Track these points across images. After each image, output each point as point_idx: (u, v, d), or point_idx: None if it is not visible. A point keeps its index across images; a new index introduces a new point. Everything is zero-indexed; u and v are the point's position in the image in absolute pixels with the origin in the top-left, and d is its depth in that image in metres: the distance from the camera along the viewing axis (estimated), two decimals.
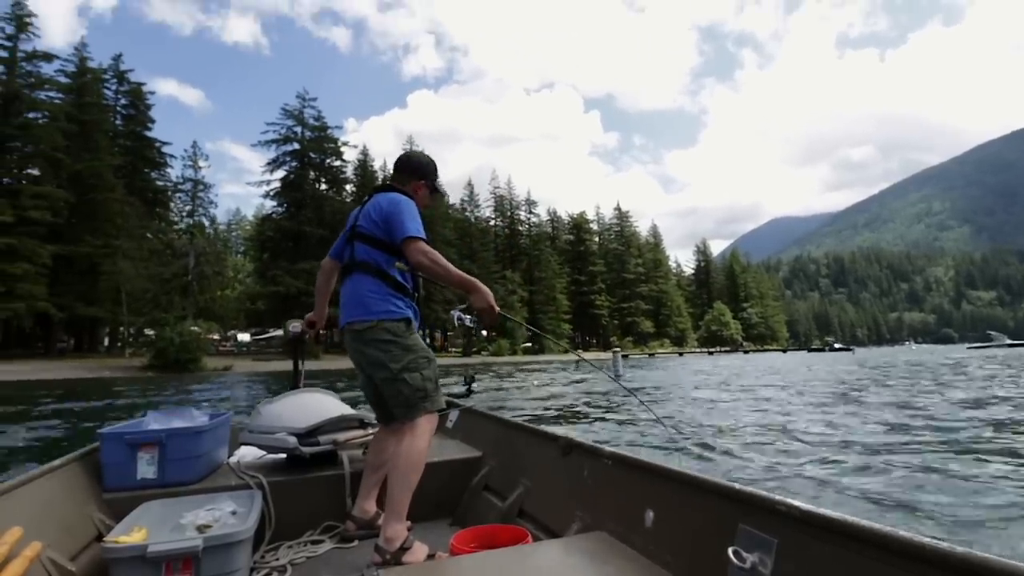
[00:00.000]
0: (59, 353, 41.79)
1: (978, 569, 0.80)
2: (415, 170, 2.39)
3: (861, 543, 0.96)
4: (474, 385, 3.51)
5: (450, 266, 2.07)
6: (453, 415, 3.15)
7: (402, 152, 2.49)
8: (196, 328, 37.04)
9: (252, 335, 59.65)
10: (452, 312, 2.27)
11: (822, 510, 1.05)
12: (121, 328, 45.24)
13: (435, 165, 2.45)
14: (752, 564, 1.12)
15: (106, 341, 48.49)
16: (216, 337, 49.36)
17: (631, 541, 1.52)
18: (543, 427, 2.36)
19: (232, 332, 57.78)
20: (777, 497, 1.14)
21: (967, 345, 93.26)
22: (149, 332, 43.26)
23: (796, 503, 1.10)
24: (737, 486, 1.26)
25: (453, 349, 70.70)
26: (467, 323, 2.28)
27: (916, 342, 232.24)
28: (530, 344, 72.99)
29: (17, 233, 36.55)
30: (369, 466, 2.30)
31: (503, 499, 2.30)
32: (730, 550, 1.14)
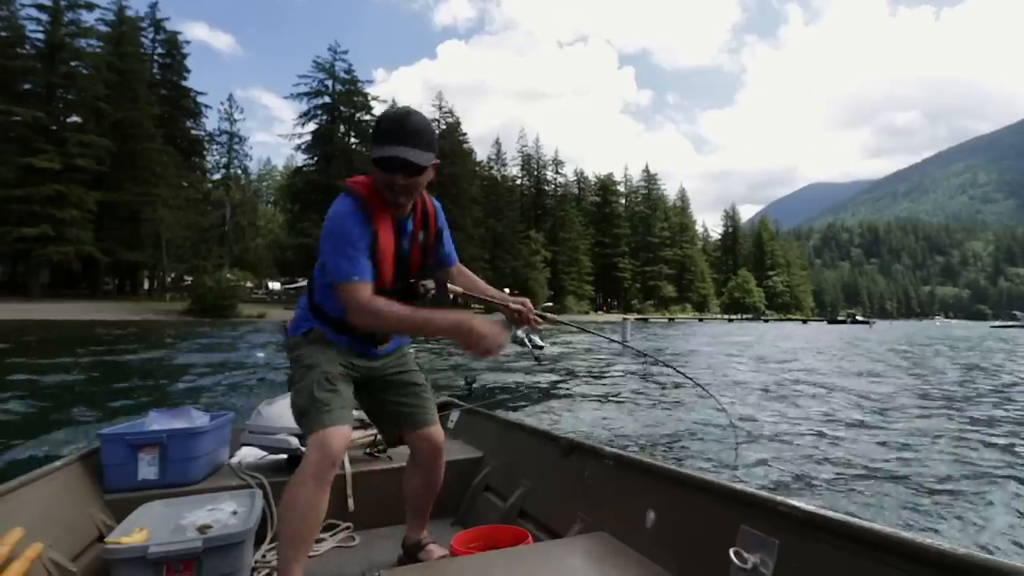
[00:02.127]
0: (104, 295, 44.18)
1: (979, 570, 0.80)
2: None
3: (862, 544, 0.96)
4: (475, 385, 3.47)
5: (408, 315, 1.58)
6: (454, 415, 3.13)
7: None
8: (232, 276, 38.87)
9: (283, 284, 61.86)
10: (517, 332, 1.91)
11: (823, 510, 1.06)
12: (162, 272, 47.48)
13: (383, 126, 1.59)
14: (753, 565, 1.12)
15: (145, 284, 50.96)
16: (250, 285, 51.49)
17: (632, 542, 1.53)
18: (544, 427, 2.39)
19: (264, 280, 59.95)
20: (778, 498, 1.15)
21: (990, 324, 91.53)
22: (187, 278, 45.49)
23: (797, 504, 1.11)
24: (738, 486, 1.28)
25: (475, 307, 71.99)
26: (529, 343, 1.91)
27: (946, 317, 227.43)
28: (551, 304, 74.08)
29: (64, 180, 38.37)
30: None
31: (504, 499, 2.29)
32: (731, 551, 1.15)
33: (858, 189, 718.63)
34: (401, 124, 1.59)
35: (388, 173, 1.58)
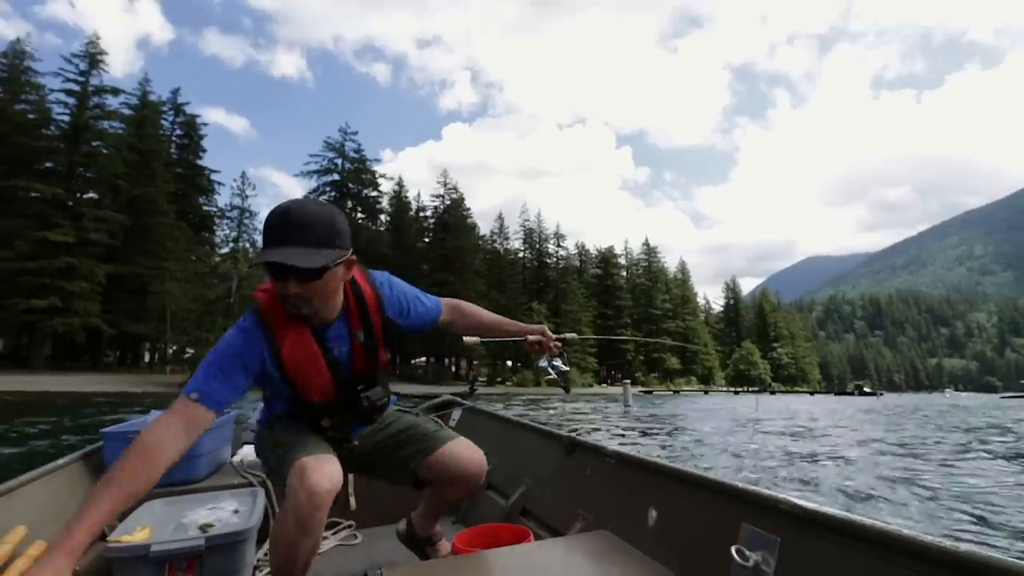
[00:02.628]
0: (105, 367, 43.99)
1: (981, 568, 0.80)
2: None
3: (864, 542, 0.96)
4: (476, 385, 3.59)
5: (107, 483, 1.21)
6: (456, 414, 3.14)
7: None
8: None
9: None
10: (540, 362, 1.93)
11: (825, 508, 1.06)
12: (164, 345, 47.46)
13: (265, 225, 1.35)
14: (755, 563, 1.12)
15: (146, 357, 50.84)
16: None
17: (634, 540, 1.53)
18: (545, 426, 2.41)
19: None
20: (780, 496, 1.15)
21: (1000, 395, 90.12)
22: (189, 351, 45.40)
23: (799, 502, 1.11)
24: (740, 485, 1.27)
25: (480, 378, 71.47)
26: (554, 371, 1.92)
27: (956, 389, 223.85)
28: (543, 373, 73.28)
29: (77, 253, 39.21)
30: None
31: (506, 498, 2.30)
32: (733, 548, 1.15)
33: (856, 262, 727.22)
34: (282, 221, 1.31)
35: (278, 282, 1.36)
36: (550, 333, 1.89)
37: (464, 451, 1.72)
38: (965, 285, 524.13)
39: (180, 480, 2.19)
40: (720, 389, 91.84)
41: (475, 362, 72.52)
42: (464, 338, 1.90)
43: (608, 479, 1.78)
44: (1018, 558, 0.77)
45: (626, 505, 1.62)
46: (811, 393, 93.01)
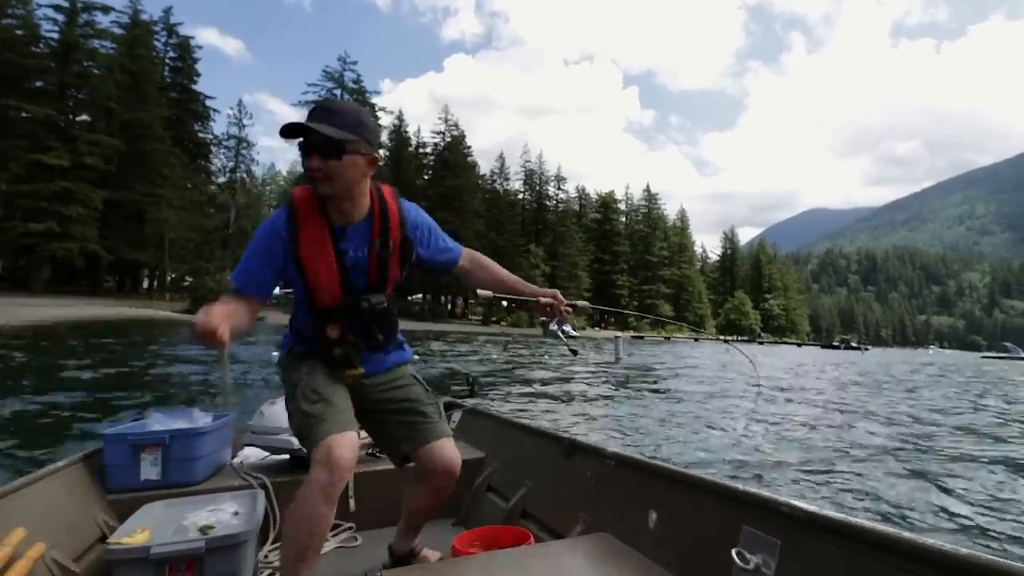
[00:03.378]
0: (104, 292, 44.41)
1: (981, 570, 0.79)
2: None
3: (864, 544, 0.96)
4: (476, 387, 3.55)
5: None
6: (456, 415, 3.12)
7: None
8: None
9: (281, 288, 62.04)
10: (550, 325, 1.93)
11: (825, 511, 1.06)
12: (162, 272, 47.78)
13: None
14: (755, 565, 1.12)
15: (145, 284, 51.25)
16: None
17: (634, 542, 1.53)
18: (546, 427, 2.42)
19: None
20: (780, 498, 1.15)
21: (982, 355, 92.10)
22: (188, 279, 45.82)
23: (799, 504, 1.11)
24: (740, 487, 1.28)
25: (473, 317, 72.49)
26: (563, 335, 1.93)
27: (941, 347, 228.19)
28: (550, 336, 74.31)
29: (72, 177, 38.85)
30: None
31: (506, 500, 2.29)
32: (733, 551, 1.16)
33: (857, 216, 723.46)
34: (315, 107, 1.51)
35: (305, 159, 1.49)
36: (562, 297, 1.92)
37: (453, 453, 1.76)
38: (963, 244, 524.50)
39: (180, 482, 2.17)
40: (710, 337, 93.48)
41: (471, 300, 73.34)
42: (479, 291, 1.96)
43: (608, 481, 1.78)
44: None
45: (626, 507, 1.63)
46: (798, 345, 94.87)
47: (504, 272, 1.94)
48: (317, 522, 1.47)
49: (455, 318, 68.51)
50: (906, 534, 0.92)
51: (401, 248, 1.67)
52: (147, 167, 44.35)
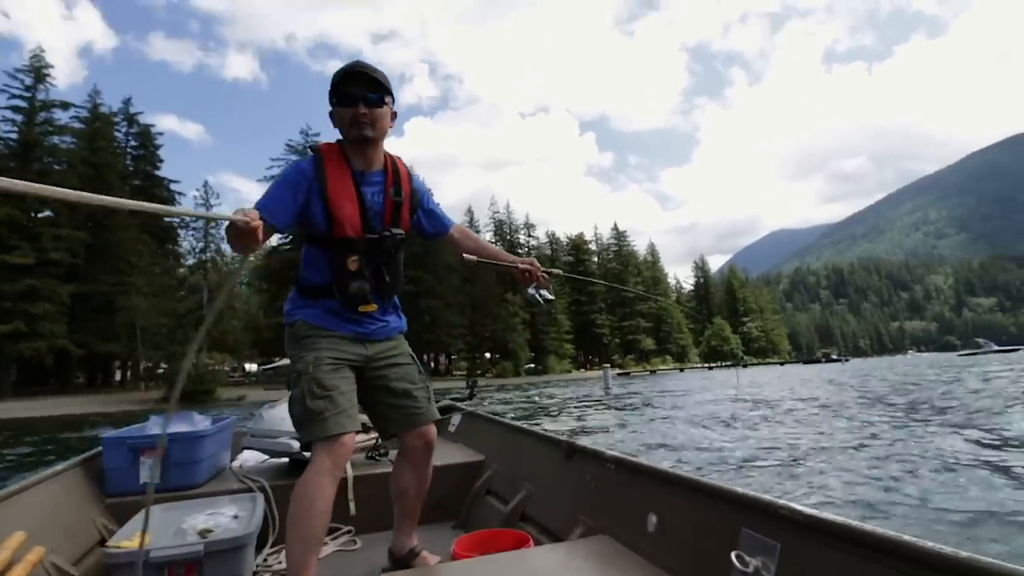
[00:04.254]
0: (75, 389, 43.01)
1: (982, 573, 0.79)
2: None
3: (864, 547, 0.96)
4: (476, 389, 3.75)
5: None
6: (456, 418, 3.11)
7: None
8: (210, 360, 38.38)
9: (259, 365, 60.94)
10: (528, 290, 2.04)
11: (825, 514, 1.06)
12: (135, 362, 46.53)
13: (340, 71, 1.77)
14: (755, 568, 1.12)
15: (117, 375, 49.78)
16: (227, 368, 50.71)
17: (634, 545, 1.52)
18: (545, 430, 2.42)
19: (241, 363, 59.07)
20: (780, 501, 1.15)
21: (958, 353, 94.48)
22: (163, 366, 44.67)
23: (799, 507, 1.11)
24: (740, 490, 1.28)
25: (457, 372, 71.76)
26: (540, 298, 2.04)
27: (918, 350, 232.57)
28: (532, 365, 73.98)
29: (38, 274, 38.21)
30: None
31: (506, 503, 2.29)
32: (733, 554, 1.16)
33: (819, 233, 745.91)
34: (357, 63, 1.77)
35: (350, 107, 1.73)
36: (538, 264, 2.07)
37: (433, 434, 1.92)
38: (922, 249, 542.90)
39: (179, 486, 2.17)
40: (695, 366, 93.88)
41: (454, 356, 72.78)
42: (464, 255, 2.08)
43: (608, 484, 1.78)
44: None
45: (626, 510, 1.63)
46: (781, 363, 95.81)
47: (487, 244, 2.14)
48: (315, 506, 1.57)
49: (439, 375, 67.73)
50: (907, 537, 0.91)
51: (410, 198, 1.91)
52: (115, 256, 43.87)
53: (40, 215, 43.26)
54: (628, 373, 71.86)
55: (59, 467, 1.94)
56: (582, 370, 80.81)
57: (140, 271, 44.97)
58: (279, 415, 2.47)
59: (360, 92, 1.74)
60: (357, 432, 1.83)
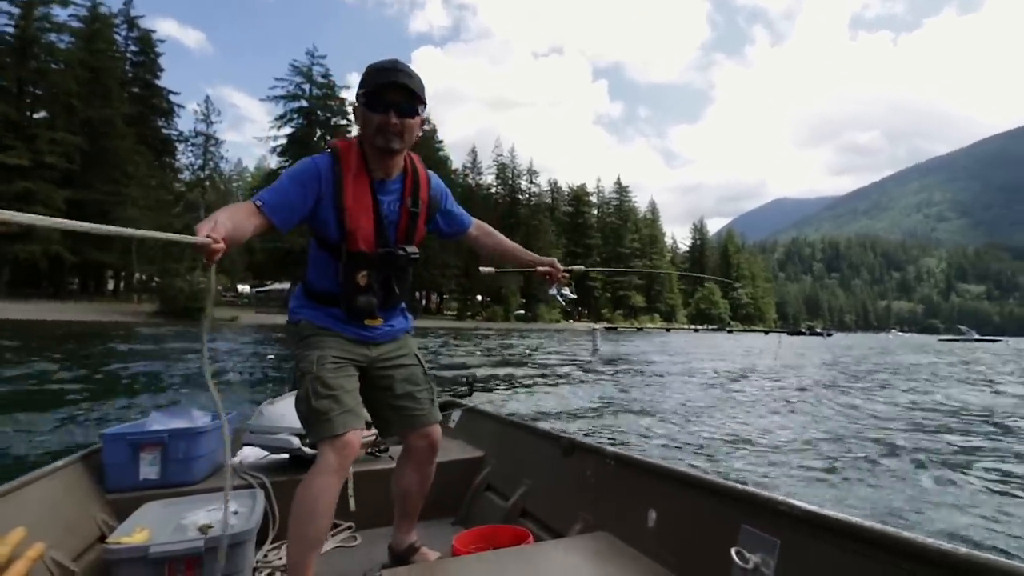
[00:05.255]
0: (68, 295, 43.32)
1: (981, 569, 0.80)
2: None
3: (863, 543, 0.97)
4: (475, 386, 3.66)
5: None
6: (455, 414, 3.12)
7: None
8: (204, 279, 38.60)
9: (252, 287, 61.34)
10: (549, 291, 2.05)
11: (824, 510, 1.06)
12: (129, 274, 46.73)
13: (375, 67, 1.64)
14: (755, 564, 1.12)
15: (110, 285, 50.06)
16: (220, 288, 51.02)
17: (634, 541, 1.52)
18: (545, 426, 2.40)
19: (235, 284, 59.38)
20: (780, 497, 1.15)
21: (938, 337, 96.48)
22: (156, 280, 44.93)
23: (798, 503, 1.11)
24: (739, 486, 1.28)
25: (448, 312, 72.59)
26: (562, 298, 2.05)
27: (901, 331, 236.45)
28: (523, 312, 74.86)
29: (33, 177, 37.76)
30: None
31: (505, 499, 2.29)
32: (733, 550, 1.16)
33: (822, 205, 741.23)
34: (394, 66, 1.62)
35: (382, 113, 1.61)
36: (559, 265, 2.03)
37: (437, 436, 1.90)
38: (921, 231, 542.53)
39: (179, 481, 2.17)
40: (682, 327, 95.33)
41: (445, 296, 73.41)
42: (480, 268, 2.10)
43: (608, 480, 1.78)
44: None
45: (626, 506, 1.63)
46: (765, 332, 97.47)
47: (508, 241, 2.08)
48: (318, 506, 1.57)
49: (430, 314, 68.52)
50: (905, 533, 0.92)
51: (428, 206, 1.82)
52: (111, 165, 43.23)
53: (36, 115, 42.33)
54: (616, 328, 72.98)
55: (59, 463, 1.93)
56: (571, 321, 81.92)
57: (136, 182, 44.52)
58: (279, 411, 2.47)
59: (395, 99, 1.61)
60: (373, 425, 1.88)
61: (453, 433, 3.07)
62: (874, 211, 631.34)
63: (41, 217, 0.79)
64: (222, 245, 1.28)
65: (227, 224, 1.34)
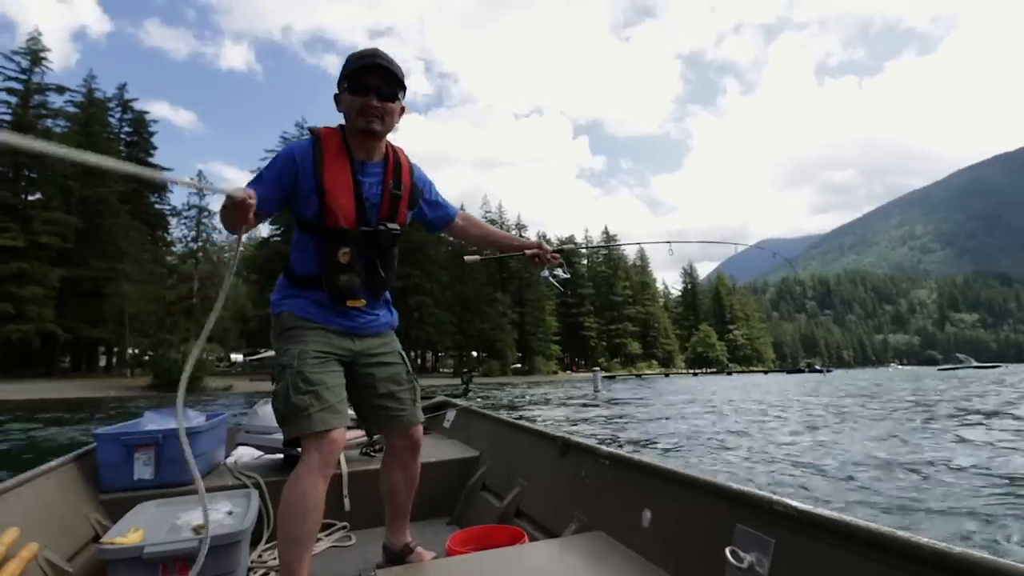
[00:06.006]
0: (61, 373, 42.92)
1: (975, 569, 0.79)
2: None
3: (858, 543, 0.96)
4: (471, 384, 3.92)
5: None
6: (450, 415, 3.11)
7: None
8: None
9: (245, 355, 60.92)
10: (541, 274, 2.03)
11: (819, 510, 1.05)
12: (122, 349, 46.48)
13: (354, 55, 1.73)
14: (749, 564, 1.12)
15: (103, 361, 49.70)
16: (214, 358, 50.76)
17: (629, 541, 1.52)
18: (540, 427, 2.40)
19: (227, 353, 59.02)
20: (774, 497, 1.15)
21: (937, 368, 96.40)
22: (149, 353, 44.69)
23: (793, 503, 1.11)
24: (734, 486, 1.27)
25: (444, 370, 72.10)
26: (555, 280, 2.03)
27: (900, 364, 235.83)
28: (519, 365, 74.46)
29: (28, 257, 38.15)
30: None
31: (500, 499, 2.29)
32: (727, 550, 1.15)
33: (807, 244, 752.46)
34: (374, 51, 1.69)
35: (363, 96, 1.67)
36: (546, 246, 2.04)
37: (418, 436, 1.92)
38: (907, 263, 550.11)
39: (173, 482, 2.15)
40: (680, 372, 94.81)
41: (441, 354, 73.07)
42: (466, 258, 2.13)
43: (602, 480, 1.79)
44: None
45: (621, 506, 1.63)
46: (764, 372, 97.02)
47: (492, 228, 2.14)
48: (305, 504, 1.56)
49: (426, 372, 68.06)
50: (900, 532, 0.92)
51: (410, 192, 1.84)
52: (105, 242, 43.76)
53: (31, 198, 43.14)
54: (614, 376, 72.58)
55: (53, 463, 1.93)
56: (568, 372, 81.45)
57: (130, 258, 44.93)
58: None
59: (375, 83, 1.68)
60: (348, 428, 1.81)
61: (448, 433, 3.07)
62: (860, 246, 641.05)
63: (44, 143, 0.79)
64: (253, 201, 1.41)
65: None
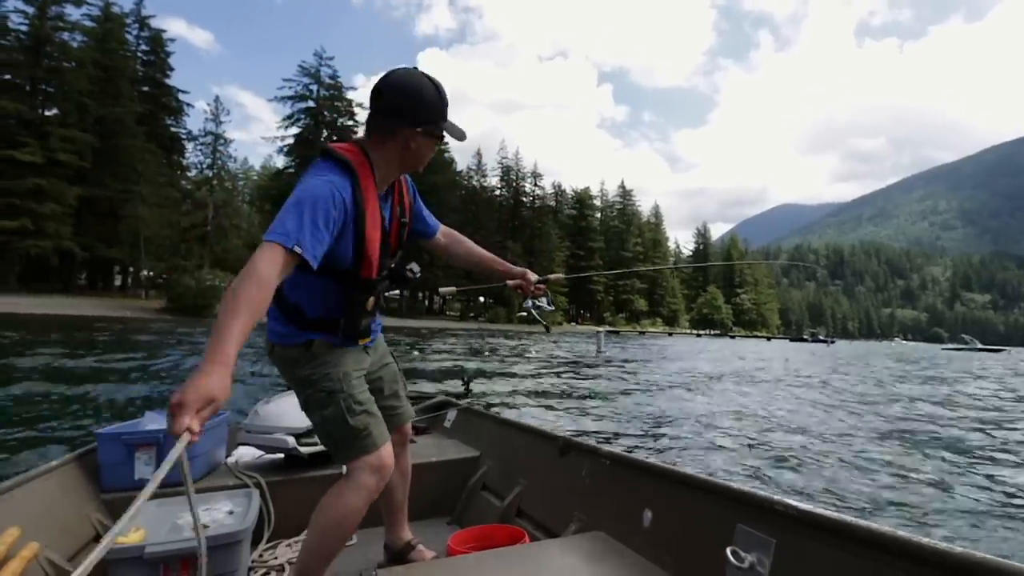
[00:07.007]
0: (77, 290, 43.88)
1: (975, 569, 0.79)
2: (393, 110, 1.52)
3: (858, 543, 0.96)
4: (471, 385, 3.62)
5: (233, 309, 1.15)
6: (451, 414, 3.11)
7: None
8: (210, 276, 39.21)
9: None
10: (524, 303, 1.99)
11: (820, 510, 1.06)
12: (137, 270, 47.32)
13: (439, 93, 1.53)
14: (750, 564, 1.12)
15: (118, 281, 50.70)
16: (225, 286, 51.67)
17: (629, 541, 1.52)
18: (541, 426, 2.41)
19: None
20: (775, 497, 1.15)
21: (942, 346, 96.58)
22: (163, 276, 45.55)
23: (794, 503, 1.11)
24: (735, 486, 1.27)
25: (450, 312, 72.99)
26: (536, 312, 2.00)
27: (904, 339, 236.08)
28: (525, 313, 75.08)
29: (46, 174, 38.35)
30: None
31: (501, 499, 2.30)
32: (728, 550, 1.16)
33: (825, 212, 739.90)
34: (445, 94, 1.56)
35: (438, 143, 1.56)
36: (531, 276, 1.94)
37: (409, 429, 1.94)
38: (926, 239, 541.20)
39: (174, 481, 2.40)
40: (684, 332, 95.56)
41: (448, 297, 73.67)
42: (440, 290, 2.10)
43: (603, 480, 1.79)
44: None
45: (621, 506, 1.64)
46: (768, 338, 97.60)
47: (477, 248, 1.95)
48: (355, 521, 1.58)
49: (432, 314, 68.96)
50: (900, 532, 0.92)
51: (411, 213, 1.74)
52: (121, 163, 43.80)
53: (48, 113, 42.95)
54: (618, 331, 73.28)
55: (54, 463, 1.93)
56: (573, 324, 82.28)
57: (146, 180, 45.09)
58: (275, 410, 2.46)
59: (460, 132, 1.57)
60: None
61: (449, 433, 3.08)
62: (879, 218, 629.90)
63: None
64: (197, 439, 1.10)
65: (229, 361, 1.13)
